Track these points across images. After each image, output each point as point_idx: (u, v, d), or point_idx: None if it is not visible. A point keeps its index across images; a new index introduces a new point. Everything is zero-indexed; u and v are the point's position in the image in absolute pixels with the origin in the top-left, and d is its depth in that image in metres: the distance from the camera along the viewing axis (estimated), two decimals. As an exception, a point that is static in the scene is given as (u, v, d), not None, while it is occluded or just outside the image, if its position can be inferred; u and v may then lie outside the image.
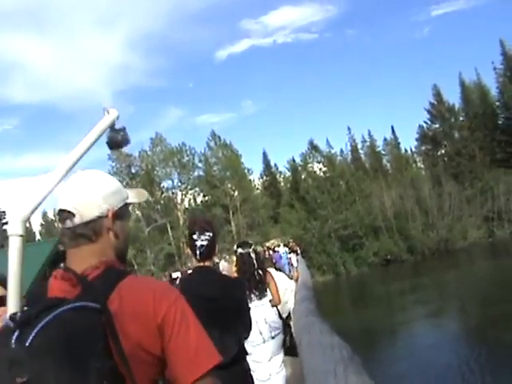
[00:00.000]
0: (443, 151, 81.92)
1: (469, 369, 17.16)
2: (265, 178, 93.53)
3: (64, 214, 1.96)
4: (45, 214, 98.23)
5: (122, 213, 2.05)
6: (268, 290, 6.41)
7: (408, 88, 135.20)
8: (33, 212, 2.30)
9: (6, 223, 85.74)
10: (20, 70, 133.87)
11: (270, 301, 6.36)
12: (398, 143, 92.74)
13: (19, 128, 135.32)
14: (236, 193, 74.60)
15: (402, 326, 28.00)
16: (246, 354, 3.64)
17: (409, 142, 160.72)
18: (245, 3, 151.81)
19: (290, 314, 8.91)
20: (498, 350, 18.85)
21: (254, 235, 65.10)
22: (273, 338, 6.05)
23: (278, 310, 6.62)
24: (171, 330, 1.74)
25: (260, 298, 6.03)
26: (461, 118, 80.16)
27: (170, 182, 77.34)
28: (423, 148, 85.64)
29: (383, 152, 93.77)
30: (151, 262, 62.95)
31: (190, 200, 79.06)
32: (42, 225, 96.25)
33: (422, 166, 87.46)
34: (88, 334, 1.57)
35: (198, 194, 79.04)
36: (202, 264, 3.90)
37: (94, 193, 1.97)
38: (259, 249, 14.51)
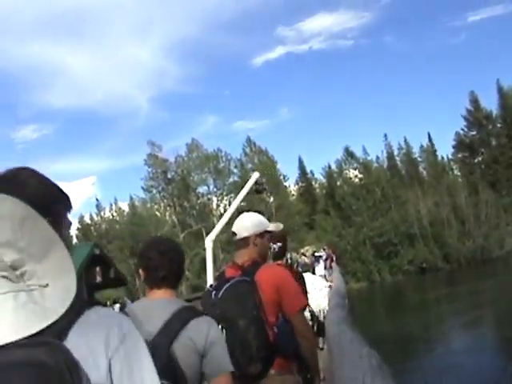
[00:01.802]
0: (480, 159, 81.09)
1: (506, 381, 16.98)
2: (300, 184, 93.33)
3: (232, 233, 4.01)
4: (81, 219, 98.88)
5: (261, 235, 3.99)
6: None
7: (445, 95, 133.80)
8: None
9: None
10: (60, 76, 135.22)
11: None
12: (435, 150, 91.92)
13: (56, 133, 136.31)
14: (271, 199, 74.68)
15: (437, 335, 27.77)
16: None
17: (445, 150, 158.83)
18: (280, 10, 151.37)
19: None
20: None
21: (289, 241, 64.95)
22: None
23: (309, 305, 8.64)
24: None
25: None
26: (498, 125, 79.45)
27: (205, 187, 77.76)
28: (460, 155, 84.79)
29: (419, 159, 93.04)
30: (186, 268, 63.14)
31: (225, 206, 79.15)
32: (78, 229, 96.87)
33: (459, 173, 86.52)
34: (247, 292, 3.51)
35: (234, 200, 79.11)
36: None
37: (246, 223, 4.00)
38: (294, 255, 14.76)
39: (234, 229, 4.00)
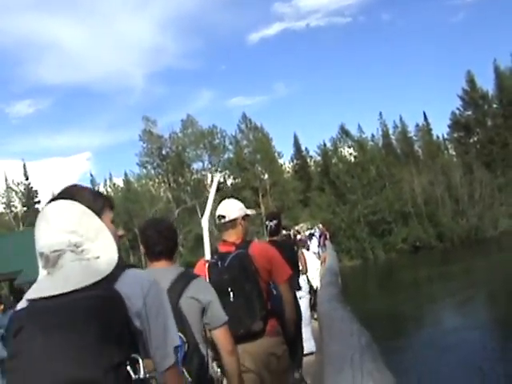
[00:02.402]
0: (475, 139, 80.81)
1: (494, 360, 17.03)
2: (295, 161, 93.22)
3: (220, 216, 4.65)
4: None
5: (244, 217, 4.70)
6: (299, 262, 9.25)
7: (441, 74, 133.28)
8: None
9: (39, 202, 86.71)
10: (54, 51, 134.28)
11: (300, 270, 9.29)
12: (430, 129, 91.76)
13: (52, 108, 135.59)
14: (266, 176, 74.78)
15: (429, 313, 27.90)
16: None
17: (441, 129, 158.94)
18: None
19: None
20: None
21: (283, 218, 65.04)
22: (300, 298, 8.18)
23: (307, 277, 10.55)
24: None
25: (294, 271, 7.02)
26: (494, 106, 79.13)
27: (200, 163, 77.87)
28: (455, 135, 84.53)
29: (415, 138, 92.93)
30: (180, 244, 63.21)
31: (219, 182, 79.27)
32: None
33: (454, 153, 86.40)
34: (249, 262, 4.28)
35: (228, 177, 79.34)
36: None
37: (234, 207, 4.71)
38: (293, 231, 15.20)
39: (222, 212, 4.64)
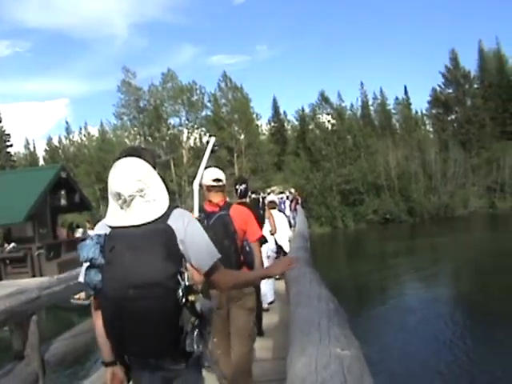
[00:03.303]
0: (454, 117, 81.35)
1: (453, 334, 17.29)
2: (272, 124, 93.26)
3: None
4: (50, 141, 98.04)
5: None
6: (268, 222, 11.11)
7: (425, 50, 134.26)
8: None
9: (11, 145, 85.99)
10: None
11: (270, 231, 11.11)
12: (410, 104, 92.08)
13: (30, 52, 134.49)
14: (242, 136, 74.67)
15: (393, 285, 28.22)
16: None
17: (420, 104, 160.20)
18: None
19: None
20: (485, 318, 18.99)
21: (257, 180, 65.33)
22: (268, 257, 11.08)
23: (274, 238, 11.91)
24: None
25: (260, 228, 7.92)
26: (475, 86, 79.60)
27: (177, 119, 77.58)
28: (434, 111, 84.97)
29: (393, 111, 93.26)
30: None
31: (195, 139, 79.15)
32: (46, 150, 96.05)
33: (431, 129, 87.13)
34: (229, 222, 5.13)
35: (204, 134, 79.11)
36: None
37: (223, 174, 5.49)
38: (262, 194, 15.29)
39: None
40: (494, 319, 18.13)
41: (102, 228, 3.03)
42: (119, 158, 3.03)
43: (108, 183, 2.98)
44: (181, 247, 2.94)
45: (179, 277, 2.86)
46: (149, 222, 2.89)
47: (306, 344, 2.67)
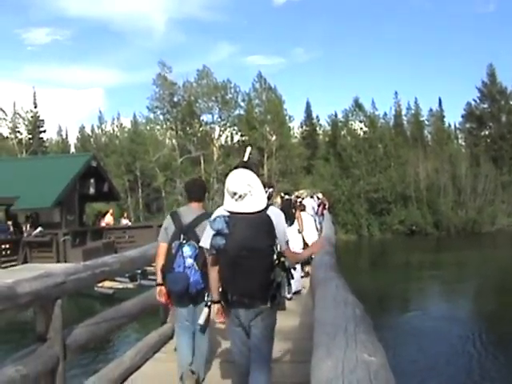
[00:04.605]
0: (487, 132, 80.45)
1: (473, 350, 17.19)
2: (304, 127, 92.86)
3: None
4: (82, 129, 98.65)
5: None
6: (296, 222, 12.90)
7: (463, 63, 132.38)
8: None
9: (44, 131, 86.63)
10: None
11: (298, 229, 12.83)
12: (443, 116, 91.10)
13: (70, 40, 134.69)
14: (274, 137, 74.46)
15: (416, 298, 28.06)
16: None
17: (454, 118, 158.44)
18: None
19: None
20: (504, 338, 18.83)
21: (285, 182, 65.29)
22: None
23: (302, 236, 13.16)
24: None
25: (290, 225, 10.29)
26: (511, 103, 78.85)
27: (209, 116, 77.54)
28: (467, 125, 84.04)
29: (426, 122, 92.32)
30: (179, 192, 63.30)
31: (226, 137, 79.37)
32: (78, 139, 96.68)
33: (463, 143, 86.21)
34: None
35: (236, 133, 79.36)
36: None
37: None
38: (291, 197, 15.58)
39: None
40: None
41: (221, 212, 4.63)
42: (236, 168, 4.80)
43: (226, 184, 4.65)
44: (274, 229, 4.54)
45: (274, 247, 4.55)
46: (257, 212, 4.52)
47: (332, 348, 2.65)
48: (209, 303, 5.07)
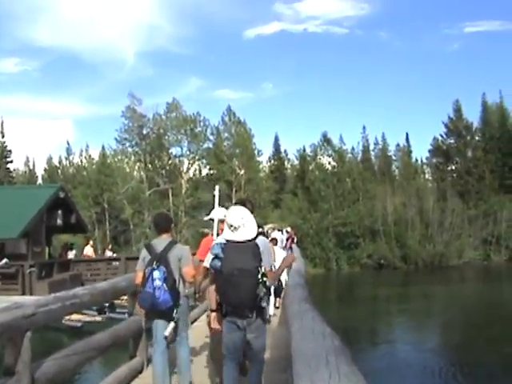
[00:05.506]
0: (453, 167, 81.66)
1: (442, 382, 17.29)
2: (273, 161, 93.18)
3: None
4: (50, 160, 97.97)
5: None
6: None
7: (429, 99, 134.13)
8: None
9: (11, 162, 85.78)
10: (50, 13, 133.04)
11: None
12: (410, 151, 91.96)
13: (39, 71, 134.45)
14: (242, 171, 74.59)
15: (384, 331, 28.14)
16: None
17: (421, 153, 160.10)
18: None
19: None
20: (472, 369, 18.93)
21: (254, 216, 65.12)
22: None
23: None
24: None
25: None
26: (477, 138, 79.90)
27: (178, 149, 77.45)
28: (434, 160, 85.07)
29: (394, 157, 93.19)
30: (147, 225, 63.01)
31: (195, 170, 79.19)
32: (45, 170, 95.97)
33: (430, 178, 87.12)
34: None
35: (205, 166, 79.36)
36: None
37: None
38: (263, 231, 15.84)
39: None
40: (481, 371, 18.14)
41: (220, 240, 5.51)
42: (235, 204, 5.97)
43: (225, 218, 5.57)
44: (261, 254, 5.36)
45: (259, 268, 5.27)
46: (248, 240, 5.36)
47: (316, 380, 2.62)
48: (175, 319, 6.58)
